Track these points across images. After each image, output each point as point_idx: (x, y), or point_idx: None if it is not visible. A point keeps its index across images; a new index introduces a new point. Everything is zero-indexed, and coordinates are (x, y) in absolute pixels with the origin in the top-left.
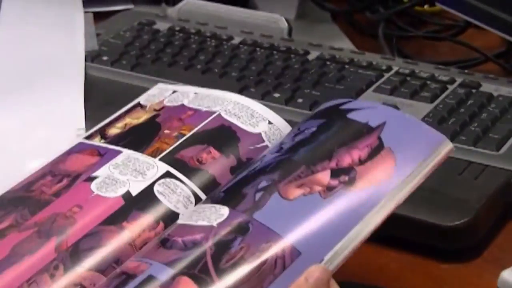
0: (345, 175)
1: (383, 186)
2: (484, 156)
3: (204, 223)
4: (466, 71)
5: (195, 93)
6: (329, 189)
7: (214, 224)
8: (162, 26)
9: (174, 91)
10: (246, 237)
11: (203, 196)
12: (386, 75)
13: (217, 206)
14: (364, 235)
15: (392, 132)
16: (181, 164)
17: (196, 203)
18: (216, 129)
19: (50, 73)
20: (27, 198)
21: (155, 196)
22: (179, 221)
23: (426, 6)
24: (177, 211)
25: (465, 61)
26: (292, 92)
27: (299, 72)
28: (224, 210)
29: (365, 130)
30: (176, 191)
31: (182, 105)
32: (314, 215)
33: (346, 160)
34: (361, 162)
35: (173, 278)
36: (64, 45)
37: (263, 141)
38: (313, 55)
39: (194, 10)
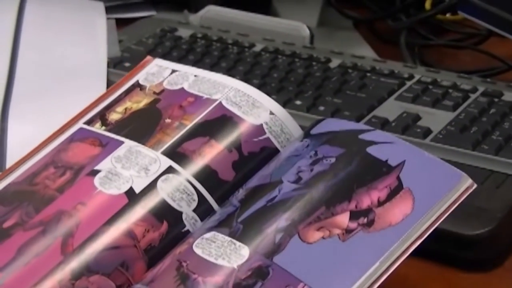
0: (364, 217)
1: (400, 226)
2: (507, 165)
3: (225, 263)
4: (488, 79)
5: (195, 75)
6: (348, 231)
7: (235, 266)
8: (184, 33)
9: (173, 71)
10: (266, 282)
11: (205, 193)
12: (408, 83)
13: (237, 243)
14: (382, 272)
15: (411, 172)
16: (183, 159)
17: (198, 200)
18: (217, 120)
19: (72, 79)
20: (31, 192)
21: (159, 194)
22: (196, 250)
23: (448, 15)
24: (180, 209)
25: (487, 70)
26: (313, 100)
27: (321, 80)
28: (245, 251)
29: (385, 169)
30: (179, 188)
31: (182, 89)
32: (333, 259)
33: (366, 201)
34: (380, 203)
35: None
36: (87, 51)
37: (265, 133)
38: (334, 62)
39: (216, 17)
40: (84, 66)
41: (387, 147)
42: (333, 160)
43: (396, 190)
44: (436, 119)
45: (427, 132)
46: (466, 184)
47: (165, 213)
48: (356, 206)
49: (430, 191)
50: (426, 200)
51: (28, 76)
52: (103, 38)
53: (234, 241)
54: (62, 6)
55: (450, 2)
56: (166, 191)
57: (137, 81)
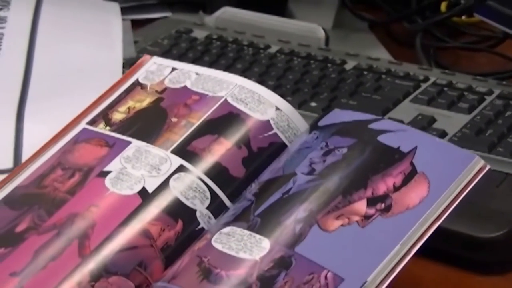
0: (381, 203)
1: (418, 209)
2: None
3: (247, 256)
4: (504, 82)
5: (197, 73)
6: (367, 217)
7: (257, 258)
8: (199, 34)
9: (173, 69)
10: (289, 271)
11: (217, 190)
12: (423, 86)
13: (257, 236)
14: (404, 254)
15: (424, 156)
16: (193, 157)
17: (211, 198)
18: (224, 117)
19: (88, 79)
20: (40, 195)
21: (172, 193)
22: (217, 245)
23: (464, 17)
24: (193, 207)
25: (502, 73)
26: (329, 102)
27: (336, 82)
28: (265, 243)
29: (398, 156)
30: (192, 186)
31: (185, 88)
32: (353, 245)
33: (381, 188)
34: (396, 188)
35: None
36: (102, 52)
37: (272, 128)
38: (350, 64)
39: (231, 19)
40: (99, 67)
41: (398, 134)
42: (345, 150)
43: (410, 175)
44: (452, 121)
45: (442, 134)
46: (479, 165)
47: (180, 211)
48: (372, 193)
49: (444, 174)
50: (441, 182)
51: (43, 77)
52: (118, 39)
53: (254, 234)
54: (78, 7)
55: (466, 4)
56: (179, 189)
57: (137, 79)
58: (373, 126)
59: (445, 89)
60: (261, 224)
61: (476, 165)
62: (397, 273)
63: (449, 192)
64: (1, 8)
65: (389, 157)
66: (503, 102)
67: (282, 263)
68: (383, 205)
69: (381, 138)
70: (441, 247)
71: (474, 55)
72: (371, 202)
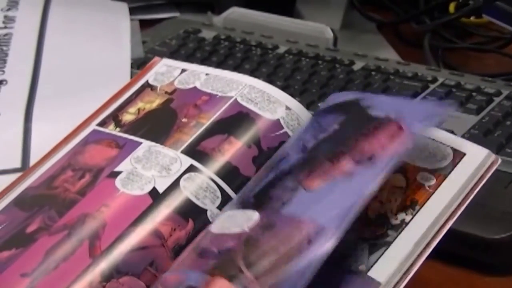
0: (367, 159)
1: (399, 152)
2: None
3: (237, 230)
4: None
5: (206, 74)
6: (351, 174)
7: (246, 229)
8: (207, 34)
9: (183, 70)
10: (274, 229)
11: (228, 190)
12: (432, 86)
13: (249, 212)
14: (418, 253)
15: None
16: (204, 157)
17: (222, 197)
18: (234, 117)
19: (96, 80)
20: (51, 196)
21: (182, 193)
22: (214, 230)
23: (472, 18)
24: (204, 207)
25: (511, 73)
26: None
27: (344, 82)
28: (255, 215)
29: (386, 121)
30: (202, 186)
31: (195, 88)
32: (336, 193)
33: (366, 148)
34: (382, 147)
35: (208, 281)
36: (110, 52)
37: (282, 127)
38: (358, 65)
39: (239, 19)
40: (107, 67)
41: (388, 106)
42: (336, 126)
43: (396, 133)
44: (460, 122)
45: None
46: (490, 160)
47: (190, 211)
48: (358, 152)
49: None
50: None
51: (52, 76)
52: (126, 39)
53: (246, 210)
54: (86, 7)
55: (474, 5)
56: (189, 189)
57: (147, 81)
58: (365, 102)
59: (453, 90)
60: (254, 202)
61: (487, 160)
62: (412, 275)
63: (462, 189)
64: (9, 8)
65: (377, 124)
66: (511, 103)
67: (267, 225)
68: (368, 162)
69: (372, 111)
70: (449, 248)
71: (483, 56)
72: (356, 160)
